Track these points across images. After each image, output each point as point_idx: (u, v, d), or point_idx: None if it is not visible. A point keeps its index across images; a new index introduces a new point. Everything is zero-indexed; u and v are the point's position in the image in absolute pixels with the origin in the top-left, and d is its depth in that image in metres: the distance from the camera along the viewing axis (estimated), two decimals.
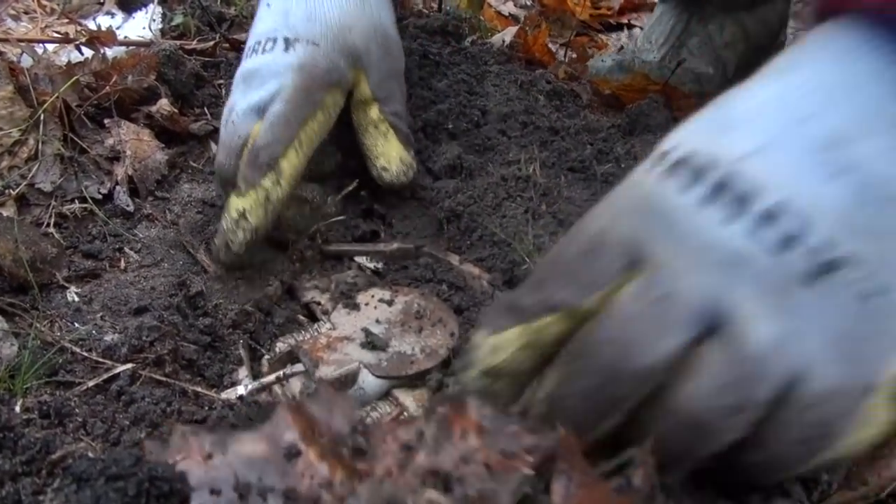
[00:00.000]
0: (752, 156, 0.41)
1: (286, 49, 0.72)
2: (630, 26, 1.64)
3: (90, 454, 0.40)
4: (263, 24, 0.76)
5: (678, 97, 0.97)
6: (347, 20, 0.75)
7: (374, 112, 0.78)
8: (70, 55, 0.89)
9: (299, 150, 0.70)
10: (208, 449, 0.36)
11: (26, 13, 1.13)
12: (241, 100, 0.72)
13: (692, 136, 0.45)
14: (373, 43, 0.77)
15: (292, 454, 0.37)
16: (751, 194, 0.40)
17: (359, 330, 0.65)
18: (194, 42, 1.00)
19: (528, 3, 1.63)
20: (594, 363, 0.41)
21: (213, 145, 0.90)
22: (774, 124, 0.42)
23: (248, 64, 0.74)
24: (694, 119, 0.46)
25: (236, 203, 0.67)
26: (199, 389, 0.57)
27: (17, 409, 0.47)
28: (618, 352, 0.40)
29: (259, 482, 0.36)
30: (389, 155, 0.78)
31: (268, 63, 0.72)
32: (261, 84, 0.71)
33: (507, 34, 1.08)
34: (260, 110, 0.70)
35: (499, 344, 0.45)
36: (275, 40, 0.73)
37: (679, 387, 0.40)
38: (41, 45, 0.87)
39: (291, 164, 0.69)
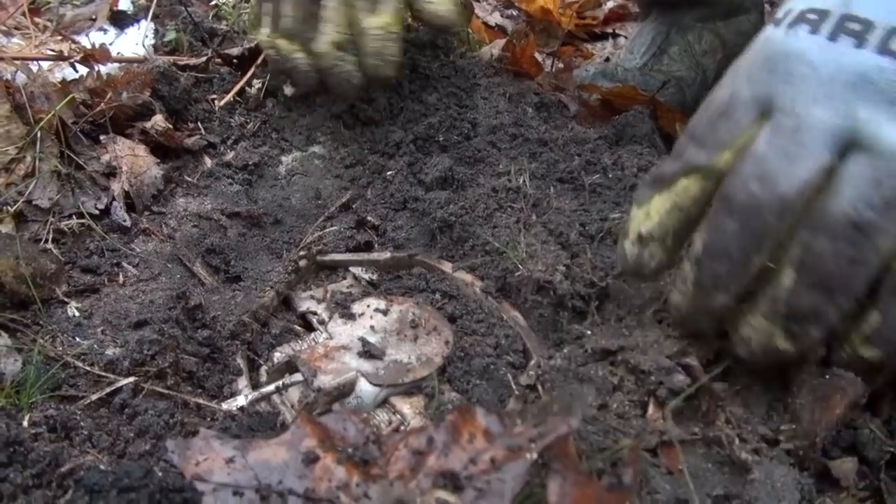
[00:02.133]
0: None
1: None
2: (615, 35, 1.67)
3: (101, 466, 0.42)
4: None
5: (663, 110, 0.99)
6: None
7: None
8: (64, 72, 0.90)
9: None
10: (230, 453, 0.38)
11: (17, 29, 1.14)
12: None
13: None
14: None
15: (310, 459, 0.39)
16: (868, 23, 0.44)
17: (355, 339, 0.67)
18: (187, 57, 1.01)
19: (515, 14, 1.65)
20: (737, 204, 0.45)
21: (207, 159, 0.91)
22: None
23: None
24: None
25: (370, 21, 0.72)
26: (200, 401, 0.58)
27: (25, 423, 0.48)
28: (758, 187, 0.44)
29: (279, 485, 0.37)
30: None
31: None
32: None
33: (496, 47, 1.10)
34: None
35: (647, 211, 0.51)
36: None
37: (829, 202, 0.43)
38: (36, 62, 0.88)
39: None
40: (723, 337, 0.54)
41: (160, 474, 0.39)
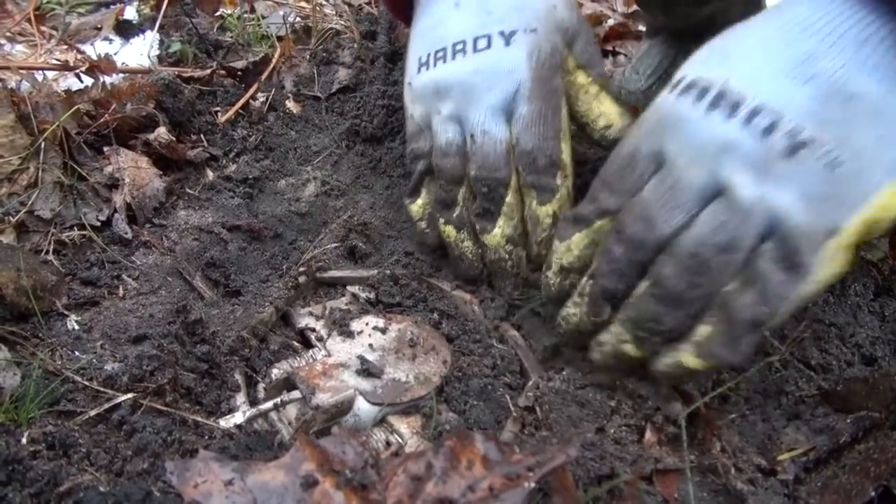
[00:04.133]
0: (741, 74, 0.55)
1: (507, 44, 0.70)
2: (615, 53, 1.68)
3: (101, 488, 0.42)
4: (458, 23, 0.73)
5: None
6: None
7: (581, 77, 0.76)
8: (69, 82, 0.91)
9: (567, 138, 0.72)
10: (229, 475, 0.38)
11: (22, 36, 1.14)
12: (473, 106, 0.70)
13: (697, 67, 0.58)
14: (575, 13, 0.77)
15: (309, 483, 0.39)
16: (740, 100, 0.53)
17: (354, 357, 0.67)
18: (191, 69, 1.02)
19: None
20: (625, 236, 0.56)
21: (209, 172, 0.92)
22: (760, 51, 0.55)
23: (460, 68, 0.71)
24: (696, 56, 0.60)
25: (545, 210, 0.70)
26: (198, 419, 0.58)
27: (24, 440, 0.48)
28: (642, 226, 0.55)
29: None
30: (608, 113, 0.77)
31: (492, 62, 0.70)
32: (492, 86, 0.70)
33: None
34: (506, 113, 0.70)
35: (568, 245, 0.61)
36: (488, 37, 0.71)
37: (683, 236, 0.54)
38: (41, 71, 0.88)
39: (567, 155, 0.71)
40: (582, 349, 0.64)
41: (159, 496, 0.39)
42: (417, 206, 0.79)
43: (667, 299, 0.54)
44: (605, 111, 0.77)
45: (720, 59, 0.57)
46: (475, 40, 0.71)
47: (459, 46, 0.71)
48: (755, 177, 0.52)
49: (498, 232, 0.71)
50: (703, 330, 0.54)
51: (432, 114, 0.74)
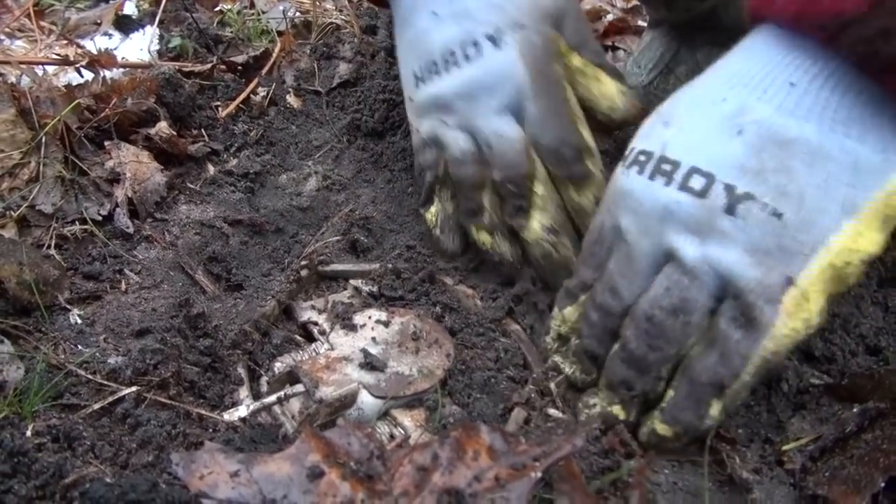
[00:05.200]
0: (677, 138, 0.56)
1: (496, 46, 0.69)
2: (614, 48, 1.68)
3: (106, 479, 0.42)
4: (441, 35, 0.72)
5: None
6: None
7: (576, 60, 0.73)
8: (69, 77, 0.90)
9: (583, 122, 0.72)
10: (235, 467, 0.38)
11: (21, 31, 1.14)
12: (478, 113, 0.70)
13: (643, 136, 0.60)
14: None
15: (315, 474, 0.39)
16: (676, 164, 0.55)
17: (357, 350, 0.67)
18: (191, 64, 1.02)
19: None
20: (597, 304, 0.59)
21: (210, 167, 0.91)
22: (695, 111, 0.57)
23: (455, 80, 0.71)
24: (644, 124, 0.61)
25: (586, 198, 0.71)
26: (202, 412, 0.58)
27: (29, 433, 0.48)
28: (609, 297, 0.58)
29: (284, 499, 0.38)
30: (610, 94, 0.74)
31: (485, 69, 0.70)
32: (492, 92, 0.69)
33: None
34: (512, 112, 0.70)
35: (562, 318, 0.64)
36: (476, 44, 0.70)
37: (639, 301, 0.55)
38: (41, 66, 0.88)
39: (589, 139, 0.71)
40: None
41: (165, 488, 0.39)
42: (431, 214, 0.79)
43: (632, 362, 0.55)
44: (604, 92, 0.74)
45: (661, 127, 0.58)
46: (463, 49, 0.70)
47: (449, 58, 0.71)
48: (698, 238, 0.52)
49: (536, 225, 0.71)
50: (669, 394, 0.54)
51: (438, 127, 0.74)
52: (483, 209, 0.74)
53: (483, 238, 0.75)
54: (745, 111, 0.53)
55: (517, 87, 0.69)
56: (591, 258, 0.62)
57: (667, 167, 0.55)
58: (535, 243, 0.72)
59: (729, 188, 0.51)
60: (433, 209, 0.79)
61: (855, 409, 0.51)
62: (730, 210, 0.51)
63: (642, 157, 0.57)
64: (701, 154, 0.54)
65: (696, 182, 0.53)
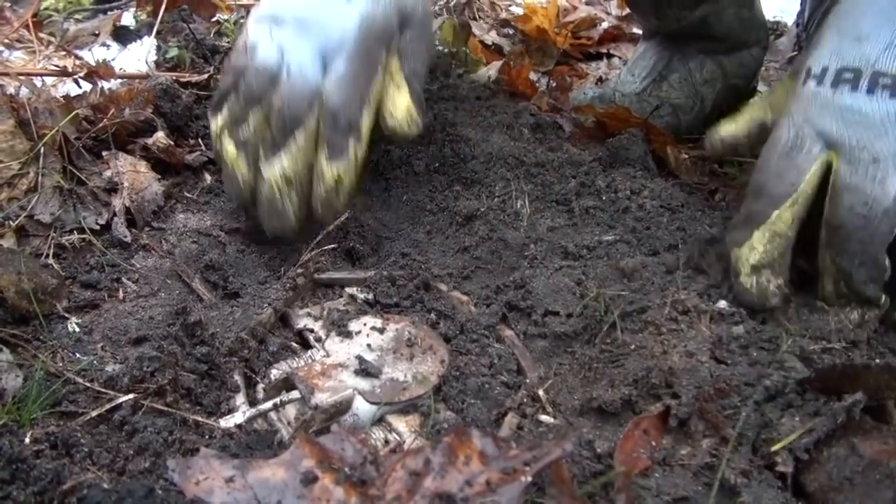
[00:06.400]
0: (885, 54, 0.62)
1: (348, 1, 0.73)
2: (609, 56, 1.70)
3: (104, 485, 0.42)
4: None
5: (656, 133, 1.01)
6: None
7: (393, 64, 0.77)
8: (68, 87, 0.91)
9: (371, 110, 0.73)
10: (230, 472, 0.39)
11: (20, 42, 1.15)
12: (299, 42, 0.72)
13: (836, 55, 0.66)
14: (420, 5, 0.79)
15: (309, 479, 0.40)
16: (895, 77, 0.61)
17: (352, 357, 0.67)
18: (189, 74, 1.03)
19: (511, 32, 1.67)
20: (853, 224, 0.62)
21: (207, 176, 0.92)
22: (890, 27, 0.62)
23: (303, 5, 0.74)
24: (826, 41, 0.68)
25: (330, 168, 0.71)
26: (198, 418, 0.59)
27: (27, 440, 0.48)
28: (864, 208, 0.61)
29: None
30: (397, 104, 0.77)
31: (330, 13, 0.73)
32: (323, 34, 0.72)
33: (493, 69, 1.12)
34: (323, 61, 0.72)
35: (750, 246, 0.66)
36: None
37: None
38: (40, 77, 0.89)
39: (367, 125, 0.72)
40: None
41: (162, 494, 0.39)
42: (217, 124, 0.78)
43: (846, 252, 0.63)
44: (395, 101, 0.77)
45: (854, 43, 0.64)
46: None
47: None
48: None
49: (278, 167, 0.72)
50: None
51: (262, 36, 0.75)
52: (245, 124, 0.74)
53: (229, 150, 0.75)
54: None
55: (341, 42, 0.72)
56: (788, 165, 0.65)
57: (886, 80, 0.61)
58: (269, 183, 0.73)
59: None
60: (220, 118, 0.77)
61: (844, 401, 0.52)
62: None
63: (848, 75, 0.64)
64: None
65: None
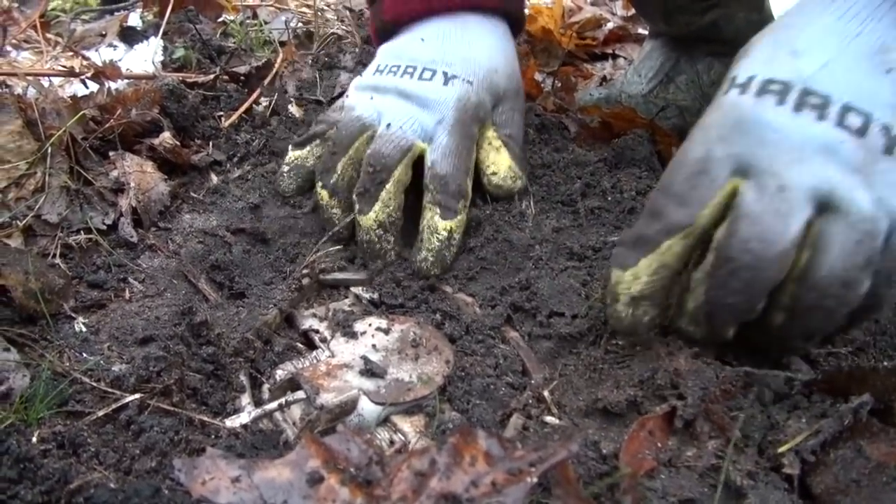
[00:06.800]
0: (821, 72, 0.53)
1: (445, 83, 0.82)
2: (615, 56, 1.69)
3: (110, 485, 0.42)
4: (418, 53, 0.84)
5: (661, 134, 1.01)
6: (494, 63, 0.86)
7: (490, 132, 0.86)
8: (75, 88, 0.92)
9: (471, 176, 0.81)
10: (236, 472, 0.39)
11: (28, 43, 1.15)
12: (399, 107, 0.80)
13: (766, 65, 0.57)
14: (511, 84, 0.88)
15: (315, 480, 0.40)
16: (826, 99, 0.52)
17: (357, 358, 0.68)
18: (195, 75, 1.03)
19: None
20: (740, 263, 0.52)
21: (213, 176, 0.93)
22: (831, 45, 0.54)
23: (405, 82, 0.82)
24: (757, 51, 0.59)
25: (445, 224, 0.77)
26: (204, 418, 0.59)
27: (34, 440, 0.49)
28: (758, 244, 0.51)
29: None
30: (499, 164, 0.85)
31: (429, 90, 0.81)
32: (423, 106, 0.80)
33: None
34: (421, 134, 0.80)
35: (635, 274, 0.57)
36: (434, 72, 0.82)
37: (818, 261, 0.51)
38: (47, 78, 0.90)
39: (470, 188, 0.81)
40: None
41: (168, 493, 0.40)
42: (293, 155, 0.89)
43: (809, 329, 0.54)
44: (496, 162, 0.85)
45: (789, 56, 0.56)
46: (423, 70, 0.83)
47: (411, 69, 0.83)
48: (864, 178, 0.50)
49: (372, 216, 0.78)
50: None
51: (362, 99, 0.83)
52: (335, 171, 0.82)
53: (323, 195, 0.83)
54: (887, 49, 0.52)
55: (441, 118, 0.80)
56: (689, 192, 0.55)
57: (815, 100, 0.52)
58: (366, 230, 0.79)
59: (885, 129, 0.51)
60: (299, 153, 0.88)
61: (851, 403, 0.52)
62: (888, 151, 0.50)
63: (776, 87, 0.54)
64: (852, 91, 0.52)
65: (854, 121, 0.51)
